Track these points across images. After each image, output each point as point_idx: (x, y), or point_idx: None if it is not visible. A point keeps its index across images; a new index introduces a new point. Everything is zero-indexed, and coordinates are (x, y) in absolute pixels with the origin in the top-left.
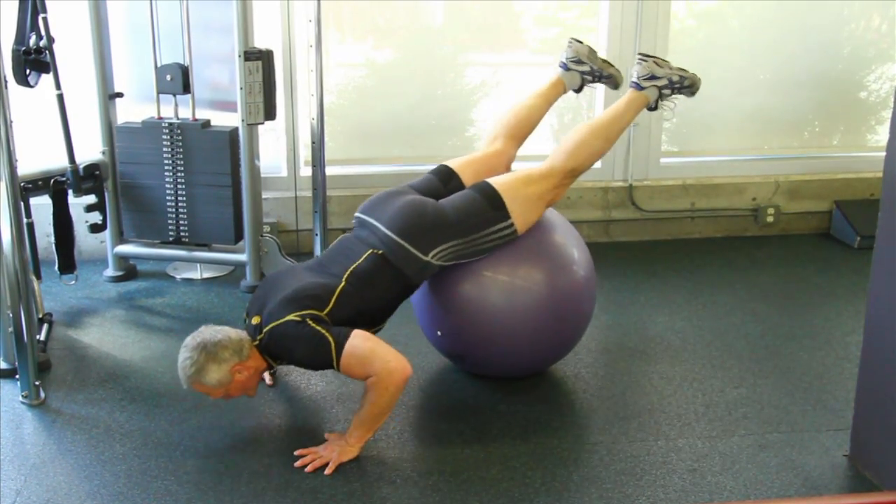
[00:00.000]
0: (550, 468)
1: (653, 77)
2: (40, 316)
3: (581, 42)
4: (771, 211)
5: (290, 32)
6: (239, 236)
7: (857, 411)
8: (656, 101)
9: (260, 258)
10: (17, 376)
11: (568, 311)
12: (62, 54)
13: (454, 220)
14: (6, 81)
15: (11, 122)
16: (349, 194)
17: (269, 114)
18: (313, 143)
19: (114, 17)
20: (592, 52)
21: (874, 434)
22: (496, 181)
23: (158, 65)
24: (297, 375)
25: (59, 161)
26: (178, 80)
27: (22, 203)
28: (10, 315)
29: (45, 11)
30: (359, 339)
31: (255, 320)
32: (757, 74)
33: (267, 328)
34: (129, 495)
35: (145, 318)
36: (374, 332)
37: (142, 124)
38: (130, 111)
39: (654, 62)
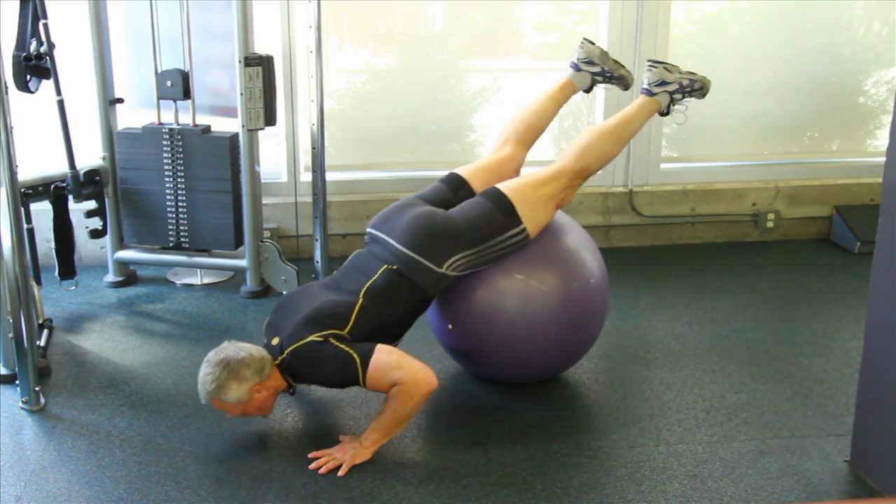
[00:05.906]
0: (551, 473)
1: (663, 83)
2: (40, 321)
3: (593, 43)
4: (771, 216)
5: (291, 38)
6: (239, 242)
7: (858, 417)
8: (668, 107)
9: (260, 264)
10: (17, 382)
11: (581, 317)
12: (62, 60)
13: (466, 230)
14: (7, 87)
15: (12, 127)
16: (349, 200)
17: (270, 119)
18: (313, 148)
19: (114, 23)
20: (604, 53)
21: (875, 439)
22: (505, 186)
23: (159, 70)
24: None
25: (59, 167)
26: (179, 85)
27: (22, 208)
28: (10, 320)
29: (45, 17)
30: (383, 354)
31: (275, 341)
32: (756, 80)
33: (289, 349)
34: (129, 501)
35: (145, 323)
36: (395, 345)
37: (142, 130)
38: (131, 117)
39: (664, 68)
